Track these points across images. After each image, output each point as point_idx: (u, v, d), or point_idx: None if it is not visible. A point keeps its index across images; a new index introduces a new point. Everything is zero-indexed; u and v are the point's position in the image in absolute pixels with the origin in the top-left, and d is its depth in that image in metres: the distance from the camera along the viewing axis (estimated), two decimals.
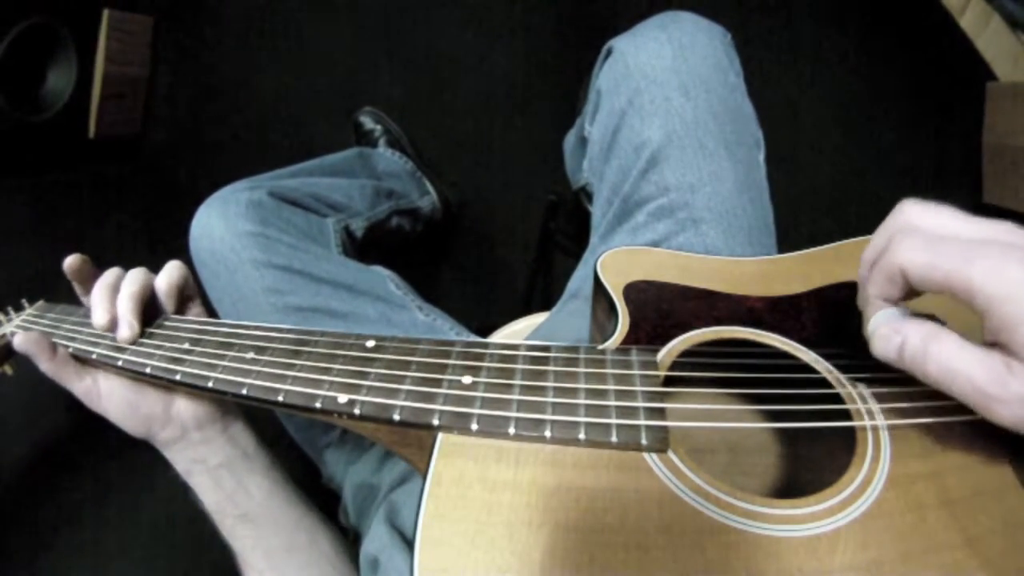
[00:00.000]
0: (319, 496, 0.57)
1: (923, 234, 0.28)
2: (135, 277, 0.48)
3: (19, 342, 0.46)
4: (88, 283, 0.52)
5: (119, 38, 1.19)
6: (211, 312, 0.55)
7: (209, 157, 1.31)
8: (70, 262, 0.51)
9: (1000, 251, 0.26)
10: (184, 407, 0.49)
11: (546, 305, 0.71)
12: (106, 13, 1.15)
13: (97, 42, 1.15)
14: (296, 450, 0.69)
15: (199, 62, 1.31)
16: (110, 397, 0.48)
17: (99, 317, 0.45)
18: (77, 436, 0.96)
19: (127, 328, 0.45)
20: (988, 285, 0.25)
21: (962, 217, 0.28)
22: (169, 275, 0.50)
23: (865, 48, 1.12)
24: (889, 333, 0.29)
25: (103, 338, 0.47)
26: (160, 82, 1.31)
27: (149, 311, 0.48)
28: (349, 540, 0.58)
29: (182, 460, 0.50)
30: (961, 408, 0.32)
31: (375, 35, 1.23)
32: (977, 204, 1.08)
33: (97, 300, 0.46)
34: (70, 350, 0.47)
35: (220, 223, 0.65)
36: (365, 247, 0.83)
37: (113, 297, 0.47)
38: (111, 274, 0.49)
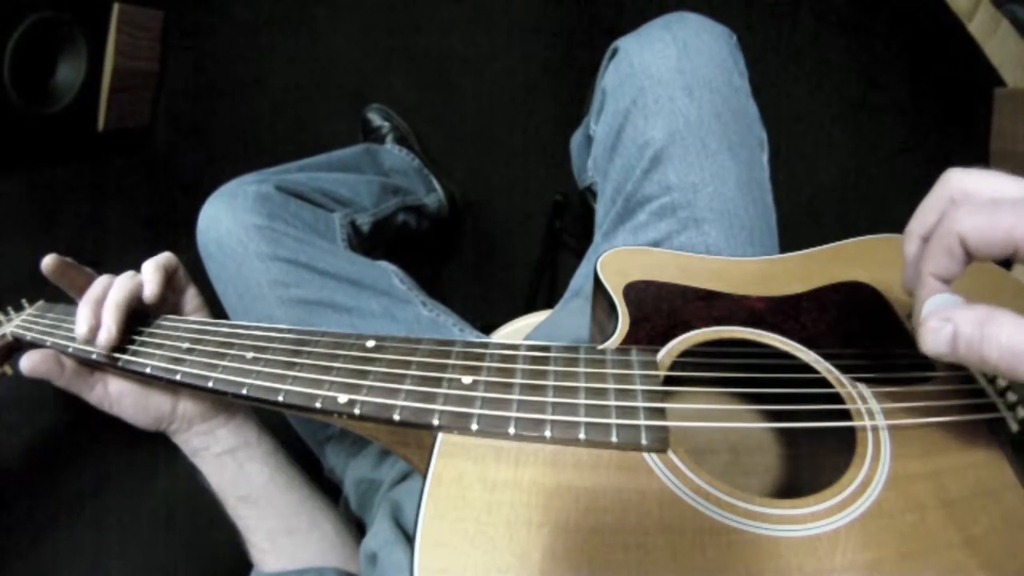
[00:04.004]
0: (322, 486, 0.58)
1: (976, 199, 0.28)
2: (122, 283, 0.47)
3: (28, 368, 0.45)
4: (74, 286, 0.52)
5: (129, 32, 1.19)
6: (210, 304, 0.55)
7: (217, 151, 1.31)
8: (47, 264, 0.50)
9: None
10: (188, 403, 0.51)
11: (550, 304, 0.71)
12: (116, 7, 1.16)
13: (107, 36, 1.16)
14: (300, 442, 0.69)
15: (208, 57, 1.31)
16: (120, 400, 0.49)
17: (80, 330, 0.44)
18: (75, 434, 0.96)
19: (105, 332, 0.44)
20: None
21: (1010, 178, 0.28)
22: (155, 261, 0.49)
23: (871, 51, 1.11)
24: (938, 324, 0.27)
25: None
26: (169, 76, 1.32)
27: (140, 314, 0.48)
28: (355, 526, 0.59)
29: (187, 447, 0.52)
30: (961, 408, 0.32)
31: (384, 32, 1.23)
32: None
33: (82, 316, 0.45)
34: (70, 350, 0.47)
35: (227, 215, 0.65)
36: (371, 243, 0.84)
37: (98, 311, 0.45)
38: (99, 287, 0.47)
